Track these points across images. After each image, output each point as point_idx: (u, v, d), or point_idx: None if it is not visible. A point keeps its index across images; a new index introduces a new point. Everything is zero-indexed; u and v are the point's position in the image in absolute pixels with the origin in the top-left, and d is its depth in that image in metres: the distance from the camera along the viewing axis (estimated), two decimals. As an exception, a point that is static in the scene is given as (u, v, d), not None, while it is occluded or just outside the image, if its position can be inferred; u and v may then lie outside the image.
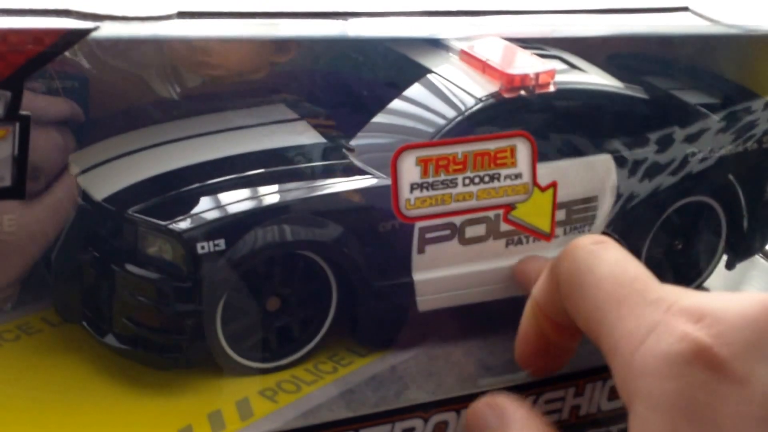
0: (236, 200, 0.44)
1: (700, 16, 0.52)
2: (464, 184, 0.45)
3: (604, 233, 0.50)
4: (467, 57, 0.49)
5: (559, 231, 0.49)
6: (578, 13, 0.50)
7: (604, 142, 0.50)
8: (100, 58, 0.44)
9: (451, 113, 0.47)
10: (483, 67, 0.48)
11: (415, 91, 0.48)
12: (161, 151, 0.46)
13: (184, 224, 0.42)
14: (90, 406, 0.43)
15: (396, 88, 0.49)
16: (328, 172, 0.46)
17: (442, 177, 0.45)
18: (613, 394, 0.47)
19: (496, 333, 0.48)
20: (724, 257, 0.57)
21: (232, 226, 0.43)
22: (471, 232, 0.47)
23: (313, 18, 0.44)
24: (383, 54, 0.51)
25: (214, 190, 0.44)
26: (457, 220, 0.46)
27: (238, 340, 0.44)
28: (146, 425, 0.42)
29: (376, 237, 0.45)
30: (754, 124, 0.54)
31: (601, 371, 0.43)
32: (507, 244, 0.48)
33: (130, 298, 0.43)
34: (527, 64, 0.49)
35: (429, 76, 0.49)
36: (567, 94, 0.49)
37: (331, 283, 0.46)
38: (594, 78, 0.52)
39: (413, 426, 0.43)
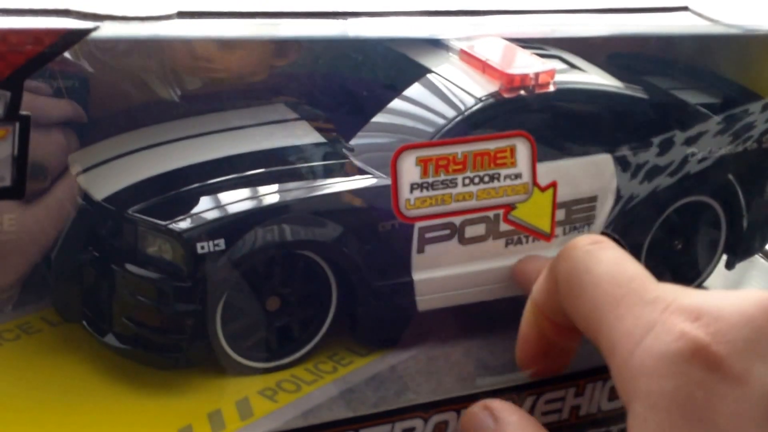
0: (236, 200, 0.44)
1: (700, 16, 0.52)
2: (464, 184, 0.45)
3: (603, 233, 0.50)
4: (467, 57, 0.49)
5: (559, 231, 0.49)
6: (578, 13, 0.50)
7: (604, 142, 0.50)
8: (99, 59, 0.44)
9: (451, 113, 0.47)
10: (483, 66, 0.48)
11: (415, 90, 0.48)
12: (161, 151, 0.46)
13: (184, 224, 0.43)
14: (90, 406, 0.43)
15: (396, 88, 0.49)
16: (328, 172, 0.46)
17: (442, 177, 0.45)
18: (614, 394, 0.47)
19: (495, 333, 0.48)
20: (724, 257, 0.57)
21: (232, 225, 0.43)
22: (471, 232, 0.47)
23: (313, 18, 0.44)
24: (383, 54, 0.51)
25: (214, 190, 0.44)
26: (457, 220, 0.46)
27: (238, 340, 0.44)
28: (146, 425, 0.42)
29: (376, 237, 0.45)
30: (754, 124, 0.54)
31: (601, 371, 0.43)
32: (507, 244, 0.48)
33: (130, 297, 0.43)
34: (527, 63, 0.49)
35: (429, 75, 0.49)
36: (567, 94, 0.49)
37: (331, 282, 0.46)
38: (594, 78, 0.52)
39: (413, 426, 0.43)
